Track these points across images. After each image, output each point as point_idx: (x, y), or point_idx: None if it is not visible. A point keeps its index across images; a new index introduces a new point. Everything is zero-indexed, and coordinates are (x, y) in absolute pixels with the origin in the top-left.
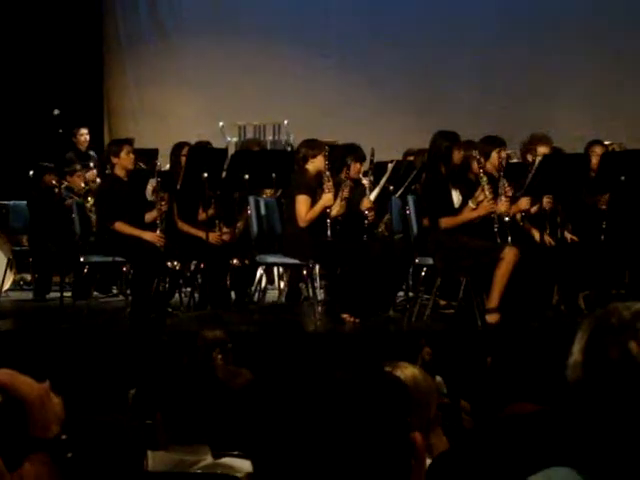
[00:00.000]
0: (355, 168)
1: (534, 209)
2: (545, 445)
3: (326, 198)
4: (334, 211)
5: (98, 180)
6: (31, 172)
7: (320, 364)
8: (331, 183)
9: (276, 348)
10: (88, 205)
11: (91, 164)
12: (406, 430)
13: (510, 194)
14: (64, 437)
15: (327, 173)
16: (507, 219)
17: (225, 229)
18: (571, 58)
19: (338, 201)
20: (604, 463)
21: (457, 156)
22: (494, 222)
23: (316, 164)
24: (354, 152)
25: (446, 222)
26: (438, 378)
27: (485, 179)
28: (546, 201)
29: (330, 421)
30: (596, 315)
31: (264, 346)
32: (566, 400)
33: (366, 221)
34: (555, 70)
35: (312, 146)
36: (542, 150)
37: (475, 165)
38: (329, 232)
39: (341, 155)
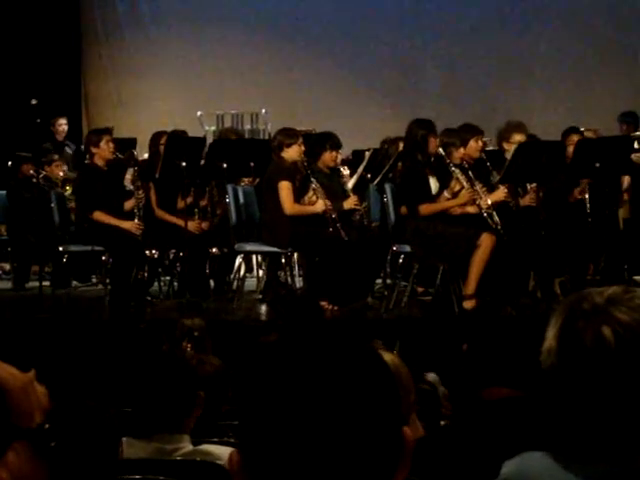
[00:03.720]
0: (331, 156)
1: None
2: (520, 430)
3: (318, 206)
4: (319, 210)
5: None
6: (9, 162)
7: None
8: (320, 188)
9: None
10: (66, 194)
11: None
12: (399, 423)
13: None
14: (47, 426)
15: (314, 184)
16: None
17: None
18: (547, 45)
19: (320, 202)
20: (578, 447)
21: (433, 144)
22: (481, 211)
23: (291, 153)
24: (329, 140)
25: (426, 209)
26: (433, 375)
27: (458, 171)
28: (528, 199)
29: (321, 409)
30: (569, 301)
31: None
32: (541, 385)
33: (357, 217)
34: (530, 58)
35: (287, 135)
36: (518, 138)
37: (455, 154)
38: (331, 229)
39: (317, 143)
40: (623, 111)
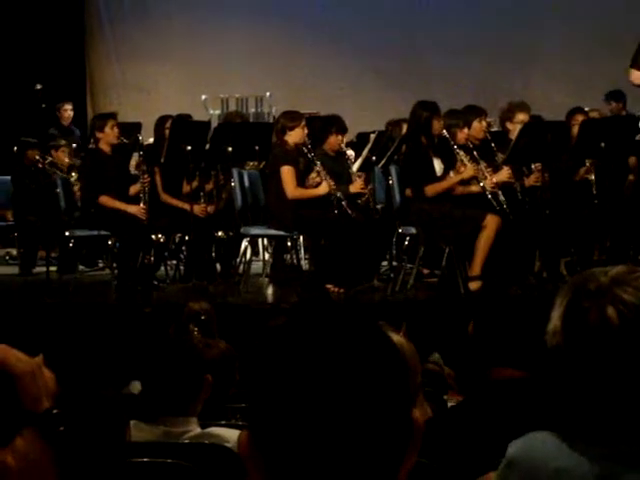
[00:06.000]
0: (337, 140)
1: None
2: (527, 410)
3: (322, 189)
4: (322, 192)
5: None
6: (15, 148)
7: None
8: (323, 170)
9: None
10: (72, 180)
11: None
12: (408, 405)
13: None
14: (55, 411)
15: (318, 166)
16: (495, 181)
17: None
18: (550, 25)
19: (324, 184)
20: (583, 428)
21: (437, 126)
22: (485, 192)
23: (294, 136)
24: (335, 123)
25: (432, 189)
26: (436, 355)
27: (462, 153)
28: (533, 178)
29: (330, 392)
30: (573, 281)
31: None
32: (547, 365)
33: (361, 200)
34: (534, 37)
35: (291, 118)
36: (521, 117)
37: (459, 135)
38: (336, 210)
39: (322, 126)
40: (610, 90)
